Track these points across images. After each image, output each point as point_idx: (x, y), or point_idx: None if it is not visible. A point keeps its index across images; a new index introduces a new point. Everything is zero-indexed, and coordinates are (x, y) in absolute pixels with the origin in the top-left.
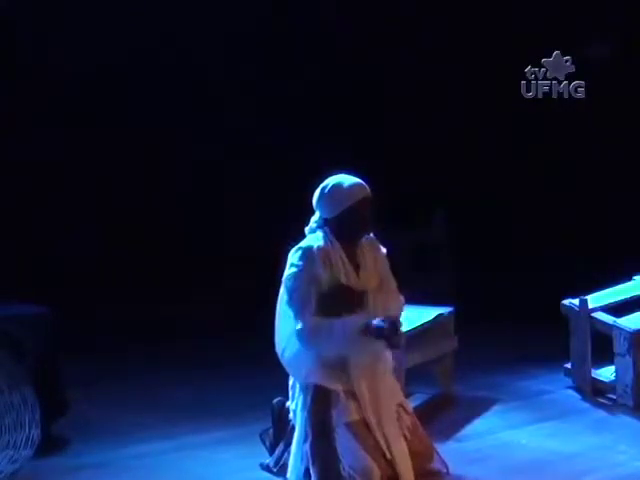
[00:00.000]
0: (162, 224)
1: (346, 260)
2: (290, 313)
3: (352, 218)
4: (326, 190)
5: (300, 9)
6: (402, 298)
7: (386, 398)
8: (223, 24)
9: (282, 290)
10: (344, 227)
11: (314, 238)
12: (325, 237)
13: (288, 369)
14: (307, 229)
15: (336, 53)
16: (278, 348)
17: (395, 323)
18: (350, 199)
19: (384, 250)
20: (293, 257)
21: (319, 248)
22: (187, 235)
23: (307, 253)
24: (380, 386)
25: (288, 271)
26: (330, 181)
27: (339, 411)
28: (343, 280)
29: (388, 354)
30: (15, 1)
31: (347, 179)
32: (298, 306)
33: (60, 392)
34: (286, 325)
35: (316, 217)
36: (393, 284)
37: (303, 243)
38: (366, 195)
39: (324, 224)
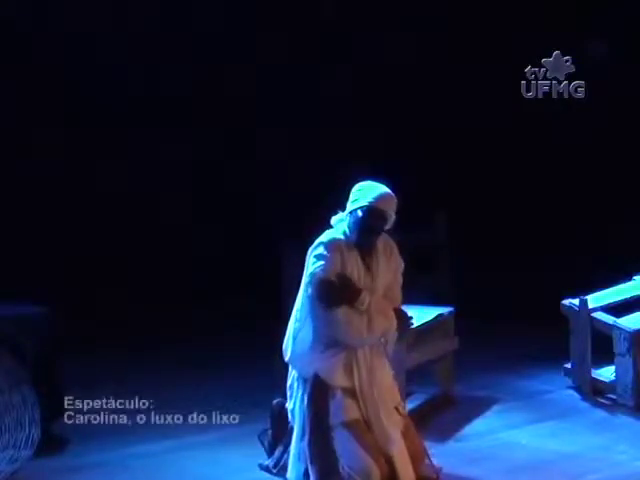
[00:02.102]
0: (163, 225)
1: (359, 258)
2: (308, 308)
3: (359, 219)
4: (357, 185)
5: None
6: (395, 304)
7: (386, 398)
8: None
9: (303, 285)
10: (351, 225)
11: (333, 232)
12: (344, 232)
13: (293, 363)
14: (334, 219)
15: (335, 53)
16: (287, 344)
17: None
18: (364, 202)
19: (402, 263)
20: (316, 251)
21: (338, 240)
22: (188, 236)
23: (329, 245)
24: (381, 386)
25: (313, 265)
26: (367, 181)
27: (337, 409)
28: (350, 275)
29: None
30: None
31: (378, 186)
32: (330, 294)
33: (60, 392)
34: (300, 319)
35: (348, 209)
36: (396, 294)
37: (323, 237)
38: (381, 207)
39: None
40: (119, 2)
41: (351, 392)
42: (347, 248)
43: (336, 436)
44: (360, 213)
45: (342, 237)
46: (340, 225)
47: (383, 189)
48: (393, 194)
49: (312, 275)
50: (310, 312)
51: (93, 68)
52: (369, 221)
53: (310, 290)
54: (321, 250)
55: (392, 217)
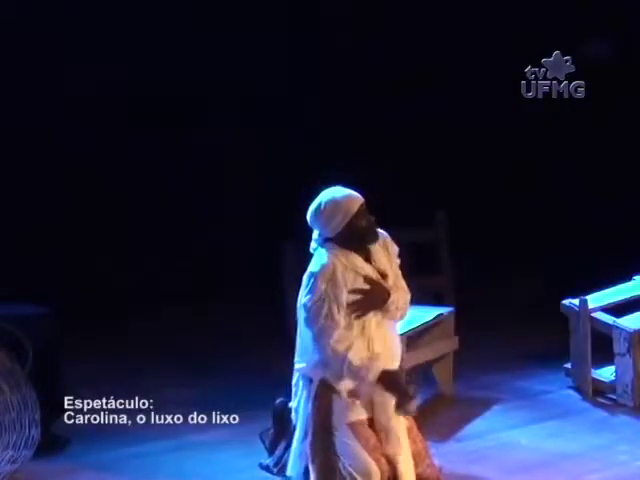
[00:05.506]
0: (162, 224)
1: (364, 263)
2: (310, 336)
3: (355, 231)
4: (320, 211)
5: None
6: (409, 296)
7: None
8: None
9: (301, 312)
10: (349, 241)
11: (320, 257)
12: (331, 252)
13: (302, 372)
14: (312, 247)
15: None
16: (301, 355)
17: (408, 389)
18: (347, 215)
19: (396, 248)
20: (308, 284)
21: (329, 265)
22: (188, 234)
23: (322, 275)
24: None
25: (306, 297)
26: (322, 201)
27: (341, 409)
28: (367, 272)
29: (398, 353)
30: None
31: (338, 195)
32: (322, 330)
33: (60, 392)
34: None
35: (316, 235)
36: (402, 282)
37: (313, 267)
38: (361, 205)
39: (326, 240)
40: None
41: (357, 393)
42: (346, 262)
43: (339, 436)
44: (352, 223)
45: (330, 255)
46: (323, 248)
47: (344, 192)
48: (341, 188)
49: (304, 307)
50: (313, 341)
51: None
52: (363, 222)
53: (305, 318)
54: (312, 283)
55: (360, 197)
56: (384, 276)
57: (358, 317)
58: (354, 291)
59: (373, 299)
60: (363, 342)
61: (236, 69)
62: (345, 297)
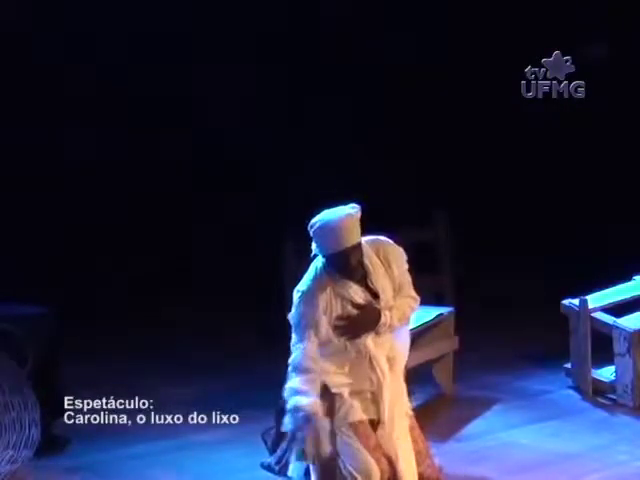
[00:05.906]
0: (162, 225)
1: (354, 287)
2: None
3: (337, 264)
4: (314, 229)
5: None
6: (416, 303)
7: (397, 398)
8: None
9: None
10: (331, 267)
11: (310, 273)
12: (321, 271)
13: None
14: (313, 247)
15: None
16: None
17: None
18: (335, 247)
19: (399, 254)
20: (295, 301)
21: (316, 288)
22: (187, 233)
23: (305, 298)
24: (394, 385)
25: (292, 312)
26: (319, 220)
27: (343, 409)
28: (355, 299)
29: (404, 353)
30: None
31: (335, 223)
32: (296, 341)
33: (60, 392)
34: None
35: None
36: (409, 289)
37: (302, 285)
38: (347, 248)
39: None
40: None
41: (357, 393)
42: (334, 286)
43: (339, 436)
44: (329, 262)
45: (322, 272)
46: (319, 262)
47: (340, 226)
48: (344, 216)
49: (290, 320)
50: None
51: None
52: (346, 261)
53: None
54: (297, 302)
55: (358, 236)
56: (377, 296)
57: (350, 340)
58: (340, 318)
59: (361, 324)
60: (364, 362)
61: (235, 69)
62: (325, 321)
